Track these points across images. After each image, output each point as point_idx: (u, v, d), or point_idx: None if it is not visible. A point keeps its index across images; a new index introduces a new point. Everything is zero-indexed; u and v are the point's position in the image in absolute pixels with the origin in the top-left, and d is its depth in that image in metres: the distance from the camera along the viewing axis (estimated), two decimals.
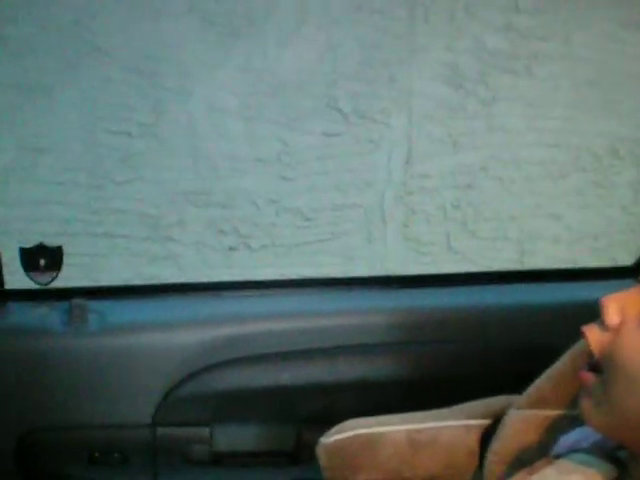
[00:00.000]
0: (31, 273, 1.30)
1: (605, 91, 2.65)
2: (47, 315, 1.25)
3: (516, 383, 1.12)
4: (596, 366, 0.85)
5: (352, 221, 2.67)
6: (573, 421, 1.00)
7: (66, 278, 1.46)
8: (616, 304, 0.83)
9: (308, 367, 1.24)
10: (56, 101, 2.46)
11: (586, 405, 0.85)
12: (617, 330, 0.82)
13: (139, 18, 2.49)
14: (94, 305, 1.25)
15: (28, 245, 1.32)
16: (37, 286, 1.30)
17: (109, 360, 1.18)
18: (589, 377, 0.85)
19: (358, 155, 2.66)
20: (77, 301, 1.25)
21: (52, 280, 1.32)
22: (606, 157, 2.68)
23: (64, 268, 1.55)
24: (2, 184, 2.47)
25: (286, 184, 2.64)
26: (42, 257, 1.31)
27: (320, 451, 1.12)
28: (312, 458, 1.11)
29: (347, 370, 1.23)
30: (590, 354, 0.85)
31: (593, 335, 0.84)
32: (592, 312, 0.86)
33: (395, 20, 2.64)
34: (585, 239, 2.67)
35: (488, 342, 1.22)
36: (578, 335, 0.87)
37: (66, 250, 2.49)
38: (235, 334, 1.22)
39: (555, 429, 1.04)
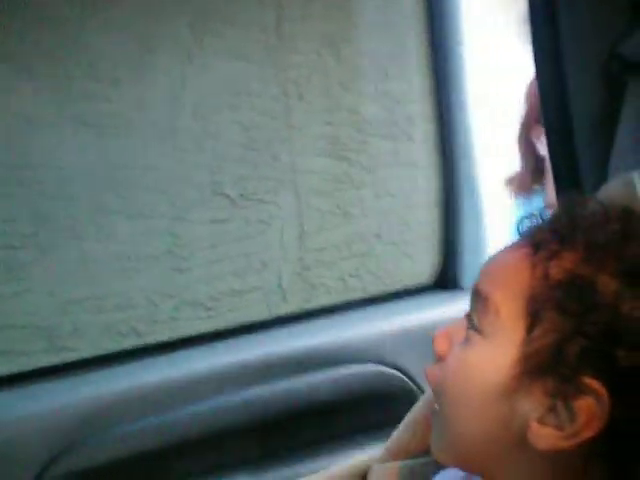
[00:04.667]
0: None
1: None
2: None
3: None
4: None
5: (253, 305, 2.63)
6: (437, 465, 0.98)
7: None
8: (444, 335, 0.83)
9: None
10: None
11: (431, 441, 0.84)
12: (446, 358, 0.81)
13: (11, 128, 2.46)
14: None
15: None
16: None
17: None
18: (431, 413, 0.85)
19: (250, 238, 2.63)
20: None
21: None
22: None
23: None
24: None
25: (182, 277, 2.59)
26: None
27: None
28: None
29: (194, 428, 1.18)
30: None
31: (430, 371, 0.85)
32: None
33: (272, 99, 2.66)
34: None
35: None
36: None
37: None
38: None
39: (421, 477, 1.00)
